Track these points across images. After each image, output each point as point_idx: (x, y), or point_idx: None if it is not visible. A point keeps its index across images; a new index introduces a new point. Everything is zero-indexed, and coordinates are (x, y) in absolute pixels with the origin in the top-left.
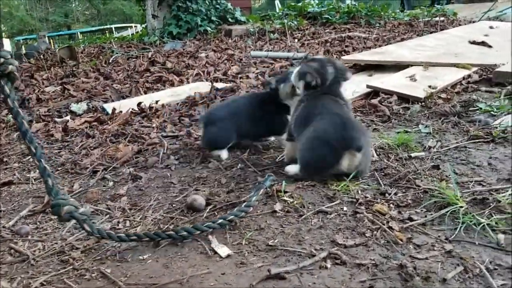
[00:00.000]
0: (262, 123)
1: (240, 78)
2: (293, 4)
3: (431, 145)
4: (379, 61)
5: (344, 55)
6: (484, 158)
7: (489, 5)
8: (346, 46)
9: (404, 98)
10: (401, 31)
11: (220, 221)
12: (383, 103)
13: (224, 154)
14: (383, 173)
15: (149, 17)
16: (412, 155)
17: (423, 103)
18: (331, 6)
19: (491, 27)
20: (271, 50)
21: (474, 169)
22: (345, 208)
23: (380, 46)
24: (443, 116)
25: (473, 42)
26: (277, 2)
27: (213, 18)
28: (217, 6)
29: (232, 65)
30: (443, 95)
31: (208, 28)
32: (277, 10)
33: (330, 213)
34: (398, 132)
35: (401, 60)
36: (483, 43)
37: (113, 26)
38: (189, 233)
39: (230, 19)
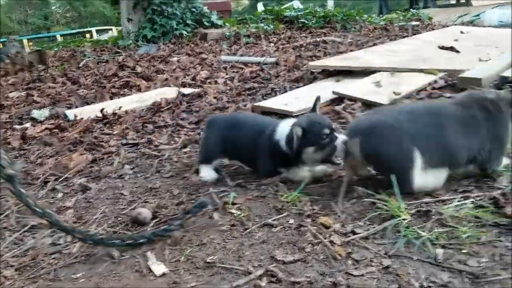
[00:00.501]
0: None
1: (209, 83)
2: (270, 8)
3: None
4: (347, 67)
5: (314, 60)
6: None
7: (465, 9)
8: (319, 51)
9: (368, 104)
10: (376, 36)
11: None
12: (346, 110)
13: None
14: (334, 184)
15: (124, 20)
16: None
17: None
18: (308, 10)
19: (461, 32)
20: (244, 55)
21: None
22: (291, 221)
23: (352, 50)
24: None
25: (442, 47)
26: (260, 5)
27: (189, 22)
28: (193, 9)
29: (202, 70)
30: (407, 101)
31: (184, 32)
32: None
33: (276, 226)
34: None
35: (369, 66)
36: (451, 48)
37: (94, 28)
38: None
39: (206, 23)
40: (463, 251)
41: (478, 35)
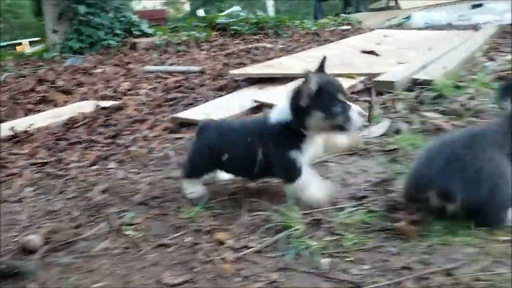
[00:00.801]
0: None
1: (130, 94)
2: (203, 16)
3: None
4: (268, 74)
5: (241, 68)
6: (340, 173)
7: (395, 12)
8: (248, 58)
9: None
10: (306, 41)
11: None
12: None
13: None
14: (235, 196)
15: (49, 32)
16: None
17: None
18: (241, 17)
19: (385, 36)
20: (174, 64)
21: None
22: (187, 239)
23: (280, 56)
24: None
25: (365, 52)
26: (200, 12)
27: (118, 32)
28: (122, 18)
29: (125, 81)
30: None
31: (112, 42)
32: None
33: (171, 246)
34: None
35: (290, 73)
36: (372, 52)
37: (26, 40)
38: None
39: (136, 32)
40: (348, 259)
41: (400, 38)
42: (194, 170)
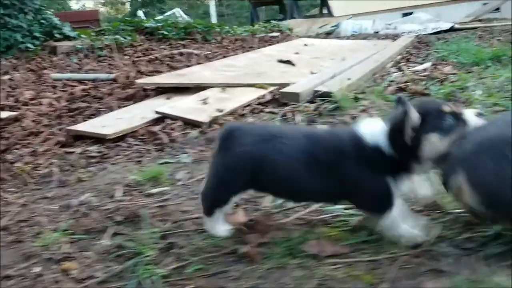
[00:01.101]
0: None
1: (32, 104)
2: (129, 19)
3: (179, 177)
4: (176, 84)
5: (154, 75)
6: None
7: (327, 20)
8: (166, 65)
9: (190, 124)
10: (234, 48)
11: None
12: (164, 130)
13: None
14: (111, 214)
15: None
16: (153, 191)
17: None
18: (170, 21)
19: (305, 45)
20: (93, 70)
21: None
22: (34, 270)
23: (199, 63)
24: (211, 142)
25: (281, 61)
26: (140, 13)
27: (37, 34)
28: (42, 21)
29: (28, 90)
30: (230, 118)
31: (30, 45)
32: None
33: (14, 278)
34: (162, 163)
35: (200, 82)
36: (288, 62)
37: None
38: None
39: (57, 35)
40: (189, 286)
41: (320, 47)
42: (222, 195)
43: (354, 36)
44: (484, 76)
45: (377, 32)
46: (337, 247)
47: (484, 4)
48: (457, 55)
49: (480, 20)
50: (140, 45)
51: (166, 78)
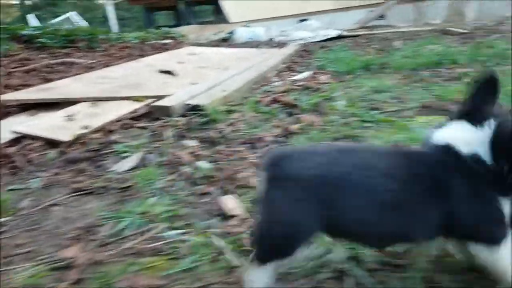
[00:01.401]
0: None
1: None
2: (5, 26)
3: (24, 205)
4: (41, 99)
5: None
6: (57, 219)
7: (223, 27)
8: (42, 77)
9: (51, 143)
10: (121, 56)
11: None
12: (21, 151)
13: None
14: None
15: None
16: None
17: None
18: (51, 28)
19: (192, 53)
20: None
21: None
22: None
23: (79, 73)
24: (72, 163)
25: (162, 71)
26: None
27: None
28: None
29: None
30: (97, 135)
31: None
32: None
33: None
34: (9, 190)
35: (69, 97)
36: (169, 72)
37: None
38: None
39: None
40: None
41: (207, 56)
42: (283, 243)
43: (248, 44)
44: (351, 85)
45: (271, 39)
46: (153, 279)
47: (370, 11)
48: (334, 64)
49: (367, 28)
50: (17, 54)
51: (30, 94)
